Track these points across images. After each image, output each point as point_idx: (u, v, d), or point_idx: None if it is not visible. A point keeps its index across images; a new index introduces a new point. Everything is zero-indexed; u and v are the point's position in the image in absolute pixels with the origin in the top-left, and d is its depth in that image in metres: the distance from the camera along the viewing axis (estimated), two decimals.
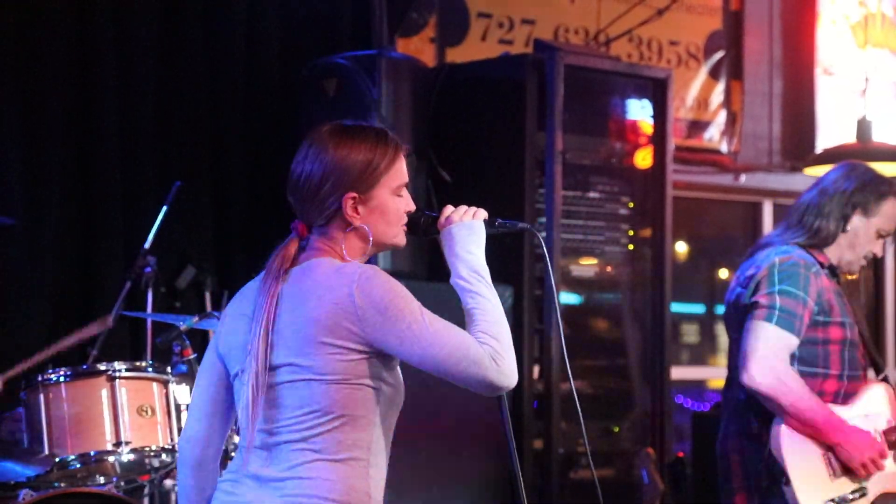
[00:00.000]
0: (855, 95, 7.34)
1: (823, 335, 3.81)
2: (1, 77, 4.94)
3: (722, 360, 7.61)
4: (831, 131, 7.39)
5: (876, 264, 7.81)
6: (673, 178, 5.38)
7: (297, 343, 2.45)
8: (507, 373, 2.46)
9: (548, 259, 3.05)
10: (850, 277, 4.02)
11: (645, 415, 5.29)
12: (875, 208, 3.88)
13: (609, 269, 5.31)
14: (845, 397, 3.84)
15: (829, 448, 3.75)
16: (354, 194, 2.53)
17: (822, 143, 7.30)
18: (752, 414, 3.82)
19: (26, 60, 4.99)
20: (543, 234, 4.98)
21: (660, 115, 5.32)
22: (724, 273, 7.85)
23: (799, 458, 3.72)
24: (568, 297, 5.19)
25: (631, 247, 5.35)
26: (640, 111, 5.36)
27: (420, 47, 6.09)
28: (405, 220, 2.61)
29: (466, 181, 5.15)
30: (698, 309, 7.68)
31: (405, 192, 2.61)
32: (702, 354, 7.55)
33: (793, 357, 3.77)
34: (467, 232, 2.61)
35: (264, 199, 5.50)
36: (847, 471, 3.78)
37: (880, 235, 3.92)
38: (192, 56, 5.37)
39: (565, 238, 5.09)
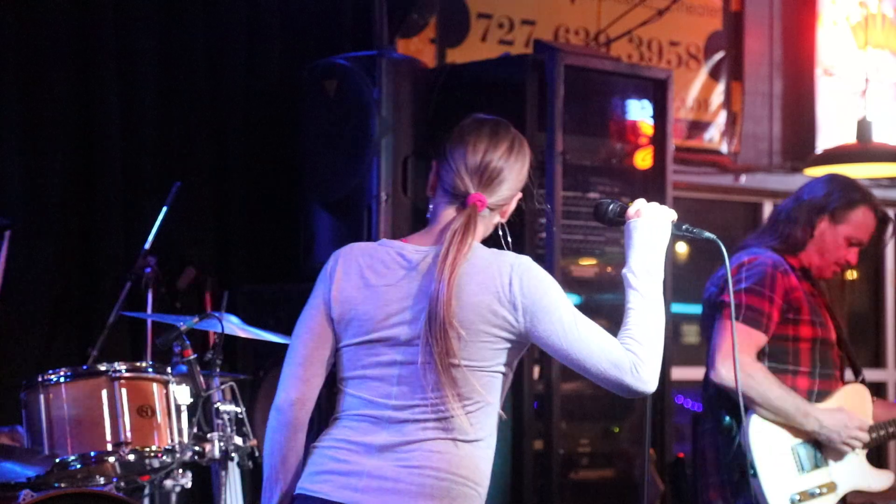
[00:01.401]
0: (855, 96, 7.34)
1: (794, 332, 3.86)
2: (2, 77, 4.94)
3: None
4: (831, 132, 7.39)
5: (875, 264, 7.82)
6: (673, 178, 5.38)
7: (443, 324, 2.48)
8: (645, 380, 2.50)
9: (728, 281, 3.14)
10: (848, 278, 4.05)
11: (645, 415, 5.28)
12: (843, 215, 3.93)
13: (609, 269, 5.30)
14: (819, 396, 3.89)
15: (802, 440, 3.78)
16: (520, 195, 2.74)
17: (823, 143, 7.30)
18: (724, 410, 3.88)
19: (27, 60, 5.00)
20: (541, 234, 4.99)
21: (660, 116, 5.32)
22: None
23: (767, 450, 3.79)
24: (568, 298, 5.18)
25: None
26: (640, 112, 5.36)
27: (420, 48, 6.09)
28: None
29: None
30: (698, 309, 7.66)
31: None
32: (702, 355, 7.52)
33: (763, 353, 3.83)
34: (652, 228, 2.66)
35: (265, 199, 5.50)
36: (816, 466, 3.82)
37: (851, 243, 3.96)
38: (193, 56, 5.38)
39: (565, 238, 5.09)
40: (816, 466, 3.85)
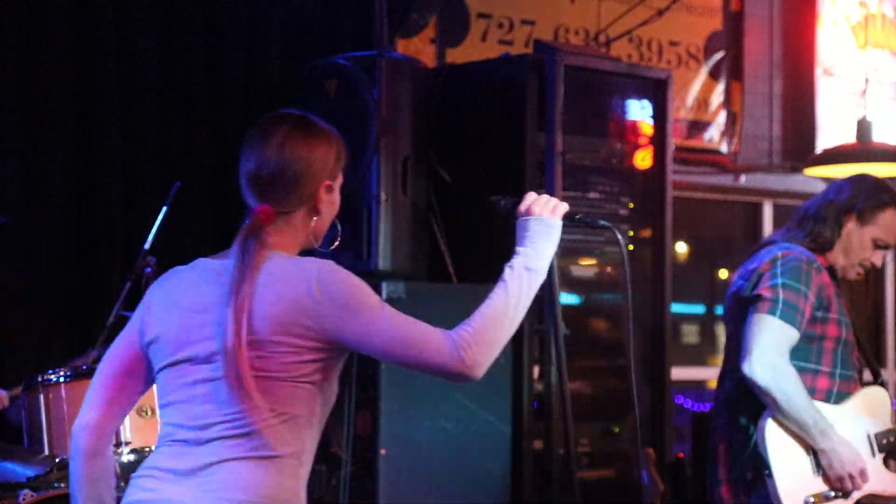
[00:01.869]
0: (855, 96, 7.35)
1: (821, 331, 3.83)
2: (2, 77, 4.94)
3: (721, 360, 7.61)
4: (831, 132, 7.39)
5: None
6: (673, 178, 5.38)
7: (251, 340, 2.38)
8: (468, 364, 2.39)
9: (626, 258, 3.03)
10: (861, 278, 4.03)
11: (645, 415, 5.28)
12: (871, 216, 3.90)
13: (609, 269, 5.30)
14: (838, 397, 3.85)
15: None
16: (328, 182, 2.57)
17: (822, 143, 7.30)
18: (741, 407, 3.84)
19: (27, 60, 4.99)
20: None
21: (660, 116, 5.32)
22: (724, 273, 7.85)
23: (784, 452, 3.75)
24: (567, 298, 5.19)
25: (631, 247, 5.34)
26: (640, 112, 5.36)
27: (420, 48, 6.09)
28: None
29: (466, 182, 5.15)
30: (698, 309, 7.68)
31: None
32: (702, 355, 7.55)
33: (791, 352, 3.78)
34: (541, 227, 2.61)
35: None
36: None
37: (877, 245, 3.93)
38: (193, 56, 5.38)
39: (565, 238, 5.04)
40: None
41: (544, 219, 2.62)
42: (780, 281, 3.76)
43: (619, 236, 2.81)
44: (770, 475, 3.71)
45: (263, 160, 2.57)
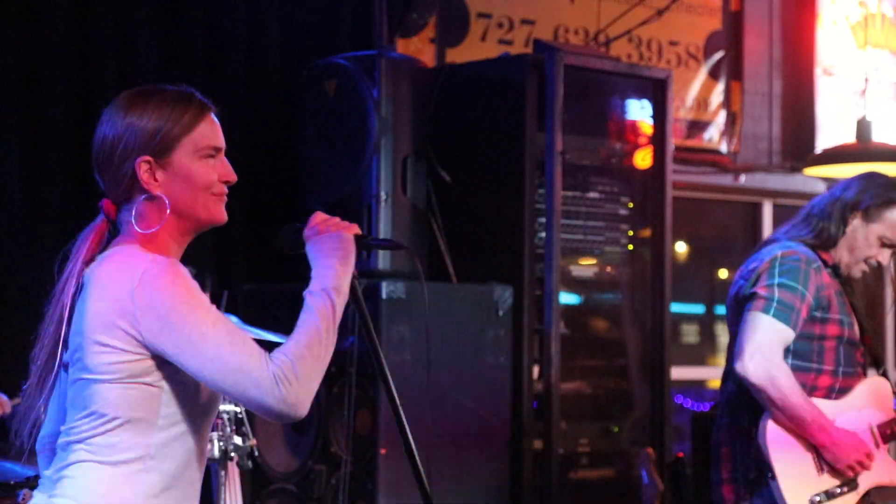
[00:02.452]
0: (855, 96, 7.34)
1: (820, 331, 3.83)
2: (1, 77, 4.94)
3: (722, 360, 7.61)
4: (831, 132, 7.39)
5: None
6: (673, 178, 5.38)
7: (79, 338, 2.27)
8: (290, 401, 2.17)
9: (422, 278, 2.89)
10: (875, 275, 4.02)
11: (644, 415, 5.29)
12: (877, 214, 3.89)
13: (609, 269, 5.31)
14: (839, 393, 3.86)
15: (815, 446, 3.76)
16: (149, 157, 2.32)
17: (822, 143, 7.30)
18: (743, 407, 3.84)
19: (26, 60, 4.99)
20: (542, 234, 4.99)
21: (659, 116, 5.32)
22: (723, 273, 7.84)
23: (786, 452, 3.74)
24: (567, 298, 5.19)
25: (631, 247, 5.34)
26: (639, 111, 5.36)
27: (420, 48, 6.09)
28: (222, 189, 2.40)
29: (466, 182, 5.15)
30: (698, 309, 7.68)
31: (220, 159, 2.40)
32: (702, 354, 7.54)
33: (787, 350, 3.79)
34: (333, 244, 2.39)
35: (263, 199, 5.50)
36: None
37: (884, 244, 3.92)
38: (193, 56, 5.37)
39: (565, 238, 5.09)
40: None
41: (334, 235, 2.40)
42: (776, 281, 3.77)
43: (417, 261, 2.68)
44: (773, 477, 3.70)
45: (95, 146, 2.42)
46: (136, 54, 5.21)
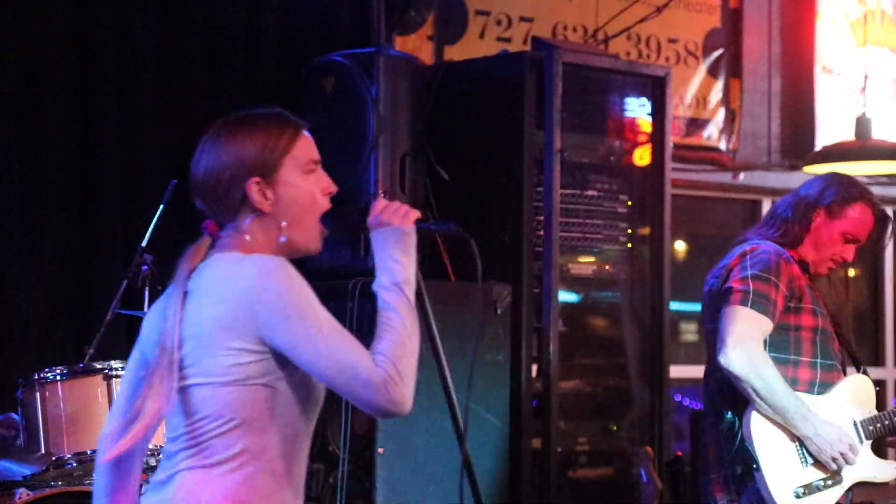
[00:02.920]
0: (854, 93, 7.33)
1: (795, 321, 3.85)
2: (1, 77, 4.93)
3: None
4: (830, 129, 7.38)
5: (874, 263, 7.81)
6: (671, 176, 5.37)
7: (195, 344, 2.31)
8: (396, 401, 2.26)
9: (479, 265, 2.69)
10: (850, 275, 4.04)
11: (643, 414, 5.28)
12: (840, 211, 3.94)
13: (608, 267, 5.30)
14: (821, 387, 3.86)
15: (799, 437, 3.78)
16: (258, 178, 2.40)
17: (822, 141, 7.29)
18: (725, 404, 3.86)
19: (25, 59, 4.99)
20: (534, 231, 4.98)
21: (658, 113, 5.31)
22: None
23: (770, 444, 3.76)
24: (566, 296, 5.18)
25: (630, 245, 5.34)
26: (638, 109, 5.35)
27: (418, 45, 6.08)
28: (326, 205, 2.45)
29: (465, 180, 5.14)
30: (697, 307, 7.65)
31: (320, 171, 2.48)
32: (701, 353, 7.52)
33: (764, 343, 3.80)
34: (396, 237, 2.44)
35: None
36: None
37: (847, 240, 3.96)
38: (192, 54, 5.37)
39: (564, 236, 5.08)
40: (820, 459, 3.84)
41: (397, 228, 2.45)
42: (749, 273, 3.80)
43: (475, 249, 2.67)
44: (758, 468, 3.73)
45: (194, 172, 2.51)
46: (134, 52, 5.20)
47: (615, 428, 5.25)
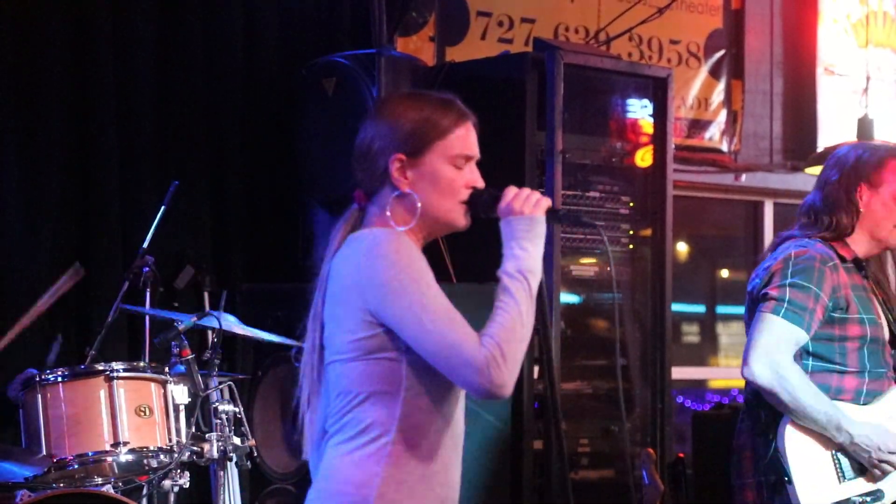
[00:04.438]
0: (856, 94, 7.33)
1: (840, 332, 3.69)
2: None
3: (722, 360, 7.61)
4: (832, 130, 7.37)
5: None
6: (673, 177, 5.37)
7: (327, 323, 2.39)
8: (498, 383, 2.30)
9: (611, 257, 2.71)
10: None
11: (645, 415, 5.27)
12: (878, 176, 3.72)
13: (609, 268, 5.29)
14: (868, 396, 3.72)
15: (839, 448, 3.64)
16: (402, 156, 2.44)
17: (824, 142, 7.28)
18: (762, 409, 3.71)
19: (25, 60, 4.98)
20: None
21: (660, 115, 5.30)
22: (724, 273, 7.83)
23: (803, 457, 3.63)
24: (567, 297, 5.17)
25: (631, 246, 5.33)
26: (640, 110, 5.35)
27: (419, 46, 6.08)
28: (464, 196, 2.48)
29: None
30: (699, 309, 7.67)
31: (470, 167, 2.50)
32: (702, 354, 7.53)
33: (807, 353, 3.68)
34: (525, 226, 2.46)
35: (263, 198, 5.49)
36: (862, 472, 3.65)
37: None
38: (191, 55, 5.36)
39: (565, 237, 5.07)
40: (860, 474, 3.66)
41: (527, 217, 2.47)
42: (788, 281, 3.64)
43: (604, 236, 2.72)
44: (790, 482, 3.61)
45: (356, 144, 2.53)
46: (133, 52, 5.20)
47: (617, 429, 5.24)
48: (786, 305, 3.62)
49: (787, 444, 3.62)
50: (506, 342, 2.31)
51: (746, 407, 3.84)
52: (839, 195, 3.76)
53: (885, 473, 3.64)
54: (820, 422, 3.61)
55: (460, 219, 2.50)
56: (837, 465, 3.65)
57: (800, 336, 3.64)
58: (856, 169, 3.76)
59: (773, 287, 3.67)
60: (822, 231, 3.77)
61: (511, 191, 2.52)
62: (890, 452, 3.63)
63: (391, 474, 2.36)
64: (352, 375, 2.36)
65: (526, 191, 2.52)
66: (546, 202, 2.51)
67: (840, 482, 3.62)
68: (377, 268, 2.31)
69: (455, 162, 2.48)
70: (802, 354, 3.70)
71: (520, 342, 2.34)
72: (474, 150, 2.53)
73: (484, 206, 2.52)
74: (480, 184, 2.52)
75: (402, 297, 2.30)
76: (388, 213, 2.44)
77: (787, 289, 3.64)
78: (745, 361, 3.64)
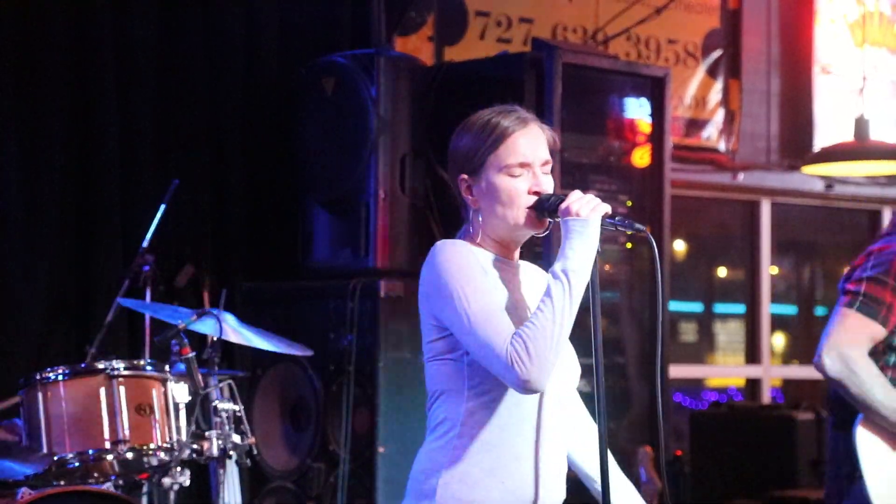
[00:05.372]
0: (853, 94, 7.34)
1: None
2: (0, 75, 4.94)
3: (720, 358, 7.61)
4: (829, 130, 7.39)
5: None
6: (671, 176, 5.38)
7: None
8: (524, 378, 2.43)
9: (658, 265, 2.72)
10: None
11: (642, 413, 5.29)
12: None
13: (607, 267, 5.31)
14: None
15: None
16: (465, 176, 2.64)
17: (820, 141, 7.30)
18: (840, 404, 3.70)
19: (25, 59, 4.99)
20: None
21: (658, 114, 5.32)
22: (722, 272, 7.84)
23: (877, 457, 3.61)
24: None
25: (629, 245, 5.35)
26: (638, 110, 5.36)
27: (418, 46, 6.09)
28: (529, 201, 2.60)
29: None
30: (696, 307, 7.68)
31: (532, 173, 2.61)
32: (700, 353, 7.55)
33: (889, 347, 3.65)
34: (579, 227, 2.58)
35: (263, 197, 5.50)
36: None
37: None
38: (192, 55, 5.37)
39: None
40: None
41: (582, 219, 2.58)
42: (866, 275, 3.64)
43: (653, 242, 2.76)
44: (861, 477, 3.58)
45: None
46: (134, 52, 5.21)
47: (616, 428, 5.25)
48: (860, 299, 3.62)
49: (860, 443, 3.61)
50: (532, 339, 2.44)
51: (829, 403, 3.81)
52: None
53: None
54: (888, 419, 3.60)
55: (531, 223, 2.62)
56: None
57: (875, 329, 3.63)
58: None
59: (852, 281, 3.67)
60: None
61: (574, 194, 2.62)
62: None
63: (455, 466, 2.55)
64: (430, 375, 2.58)
65: (588, 195, 2.62)
66: (604, 207, 2.61)
67: None
68: (432, 276, 2.51)
69: (510, 172, 2.60)
70: (886, 350, 3.67)
71: (549, 339, 2.45)
72: (529, 156, 2.63)
73: (549, 210, 2.61)
74: (545, 188, 2.63)
75: (452, 301, 2.48)
76: (470, 229, 2.64)
77: (864, 282, 3.64)
78: (816, 353, 3.62)
